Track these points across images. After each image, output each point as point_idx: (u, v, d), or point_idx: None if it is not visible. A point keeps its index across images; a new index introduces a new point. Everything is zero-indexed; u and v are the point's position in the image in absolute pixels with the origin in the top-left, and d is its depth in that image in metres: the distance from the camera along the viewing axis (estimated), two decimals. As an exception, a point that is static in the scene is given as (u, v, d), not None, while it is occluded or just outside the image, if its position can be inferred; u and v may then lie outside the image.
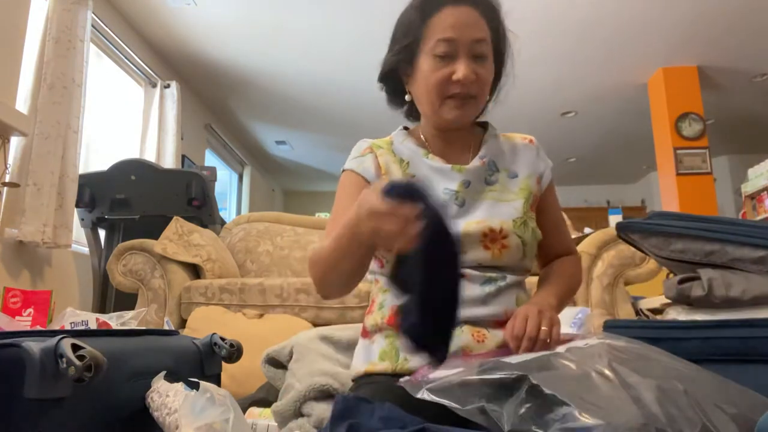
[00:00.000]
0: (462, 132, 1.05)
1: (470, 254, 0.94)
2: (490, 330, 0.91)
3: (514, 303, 0.95)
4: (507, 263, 0.96)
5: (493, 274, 0.94)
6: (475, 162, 1.01)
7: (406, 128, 1.11)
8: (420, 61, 0.97)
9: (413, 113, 1.10)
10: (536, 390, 0.58)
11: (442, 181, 1.00)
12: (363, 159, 1.03)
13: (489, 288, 0.93)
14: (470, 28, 0.94)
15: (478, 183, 1.00)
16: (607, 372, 0.62)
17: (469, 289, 0.92)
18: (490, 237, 0.94)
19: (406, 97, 1.04)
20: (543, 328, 0.81)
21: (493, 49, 1.01)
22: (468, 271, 0.94)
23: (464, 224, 0.94)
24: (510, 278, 0.96)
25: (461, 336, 0.90)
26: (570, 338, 0.82)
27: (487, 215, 0.96)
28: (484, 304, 0.92)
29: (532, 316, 0.83)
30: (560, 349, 0.72)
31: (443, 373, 0.68)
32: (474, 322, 0.91)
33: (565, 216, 1.22)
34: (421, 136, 1.07)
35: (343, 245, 0.83)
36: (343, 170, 1.05)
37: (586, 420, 0.53)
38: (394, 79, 1.05)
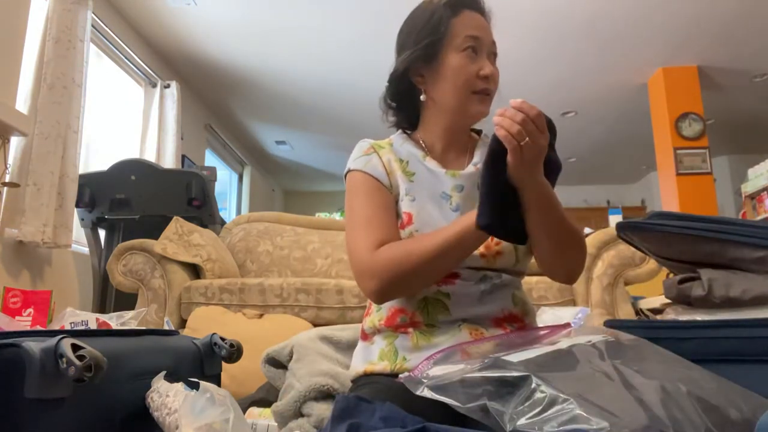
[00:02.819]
0: (460, 138, 1.06)
1: (466, 259, 0.94)
2: (488, 329, 0.92)
3: (510, 301, 0.95)
4: (500, 266, 0.97)
5: (488, 272, 0.95)
6: (470, 168, 1.02)
7: (405, 132, 1.11)
8: (447, 57, 0.99)
9: (405, 122, 1.10)
10: (538, 389, 0.58)
11: (437, 183, 1.00)
12: (369, 158, 1.03)
13: (484, 286, 0.94)
14: (488, 31, 1.02)
15: (472, 189, 1.00)
16: (610, 372, 0.62)
17: (465, 288, 0.93)
18: (485, 245, 0.95)
19: (422, 97, 1.04)
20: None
21: None
22: (463, 270, 0.95)
23: None
24: (505, 277, 0.97)
25: (459, 335, 0.90)
26: (567, 329, 0.83)
27: None
28: (480, 302, 0.93)
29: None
30: (563, 345, 0.71)
31: (443, 370, 0.68)
32: (472, 321, 0.92)
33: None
34: (421, 141, 1.07)
35: (451, 244, 0.86)
36: (349, 171, 1.04)
37: (589, 421, 0.53)
38: (404, 80, 1.05)
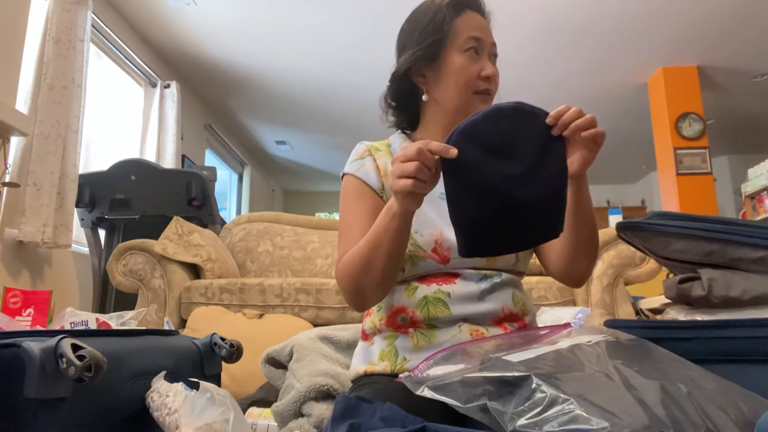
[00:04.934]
0: None
1: (465, 259, 0.94)
2: (488, 328, 0.92)
3: (510, 300, 0.95)
4: (500, 266, 0.97)
5: (488, 272, 0.96)
6: None
7: (404, 132, 1.11)
8: (449, 57, 0.99)
9: (405, 122, 1.10)
10: (539, 389, 0.58)
11: (438, 184, 1.00)
12: (362, 162, 1.03)
13: (484, 285, 0.94)
14: (489, 32, 1.02)
15: None
16: (610, 372, 0.62)
17: (465, 287, 0.93)
18: None
19: (424, 97, 1.04)
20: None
21: None
22: (463, 270, 0.95)
23: None
24: (505, 276, 0.97)
25: (459, 335, 0.90)
26: (567, 329, 0.83)
27: None
28: (480, 301, 0.93)
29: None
30: (563, 345, 0.71)
31: (444, 370, 0.68)
32: (472, 320, 0.92)
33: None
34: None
35: (379, 232, 0.84)
36: (343, 174, 1.05)
37: (590, 421, 0.53)
38: (406, 80, 1.05)
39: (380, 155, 1.04)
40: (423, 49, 1.00)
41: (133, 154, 4.06)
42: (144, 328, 1.18)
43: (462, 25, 1.00)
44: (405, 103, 1.08)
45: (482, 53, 1.00)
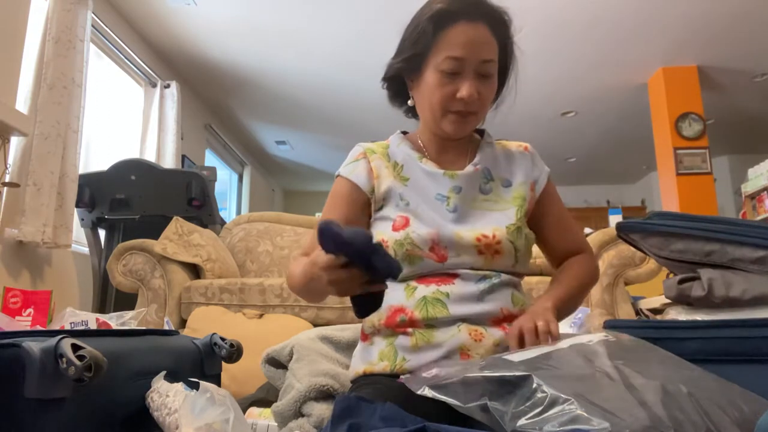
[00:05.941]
0: (455, 142, 1.07)
1: (464, 257, 0.95)
2: (487, 328, 0.92)
3: (509, 300, 0.95)
4: (499, 267, 0.97)
5: (487, 272, 0.96)
6: (469, 169, 1.03)
7: (404, 132, 1.12)
8: (426, 73, 0.98)
9: (412, 111, 1.11)
10: (539, 389, 0.58)
11: (434, 185, 1.01)
12: (356, 164, 1.05)
13: (483, 285, 0.94)
14: (480, 48, 0.95)
15: (471, 190, 1.01)
16: (611, 373, 0.62)
17: (464, 287, 0.93)
18: (484, 243, 0.95)
19: (409, 102, 1.06)
20: (539, 323, 0.83)
21: (499, 64, 1.02)
22: (461, 270, 0.95)
23: (458, 230, 0.96)
24: (504, 277, 0.97)
25: (459, 335, 0.90)
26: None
27: (481, 222, 0.97)
28: (479, 301, 0.93)
29: (528, 320, 0.85)
30: (563, 345, 0.71)
31: (445, 370, 0.68)
32: (471, 321, 0.92)
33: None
34: (419, 141, 1.08)
35: (306, 284, 0.89)
36: (337, 175, 1.07)
37: (590, 421, 0.53)
38: (398, 81, 1.06)
39: (375, 157, 1.06)
40: (402, 61, 1.01)
41: (133, 154, 4.06)
42: (144, 328, 1.18)
43: (444, 41, 0.95)
44: (400, 101, 1.10)
45: (464, 72, 0.94)
